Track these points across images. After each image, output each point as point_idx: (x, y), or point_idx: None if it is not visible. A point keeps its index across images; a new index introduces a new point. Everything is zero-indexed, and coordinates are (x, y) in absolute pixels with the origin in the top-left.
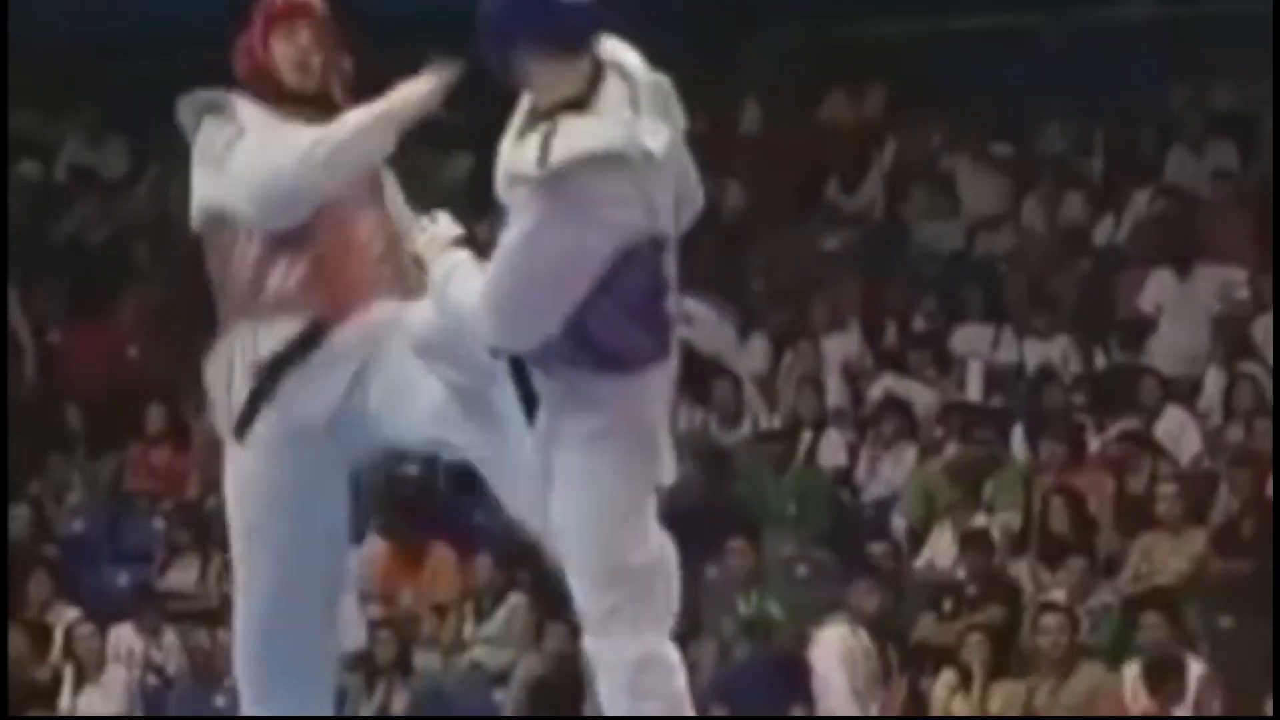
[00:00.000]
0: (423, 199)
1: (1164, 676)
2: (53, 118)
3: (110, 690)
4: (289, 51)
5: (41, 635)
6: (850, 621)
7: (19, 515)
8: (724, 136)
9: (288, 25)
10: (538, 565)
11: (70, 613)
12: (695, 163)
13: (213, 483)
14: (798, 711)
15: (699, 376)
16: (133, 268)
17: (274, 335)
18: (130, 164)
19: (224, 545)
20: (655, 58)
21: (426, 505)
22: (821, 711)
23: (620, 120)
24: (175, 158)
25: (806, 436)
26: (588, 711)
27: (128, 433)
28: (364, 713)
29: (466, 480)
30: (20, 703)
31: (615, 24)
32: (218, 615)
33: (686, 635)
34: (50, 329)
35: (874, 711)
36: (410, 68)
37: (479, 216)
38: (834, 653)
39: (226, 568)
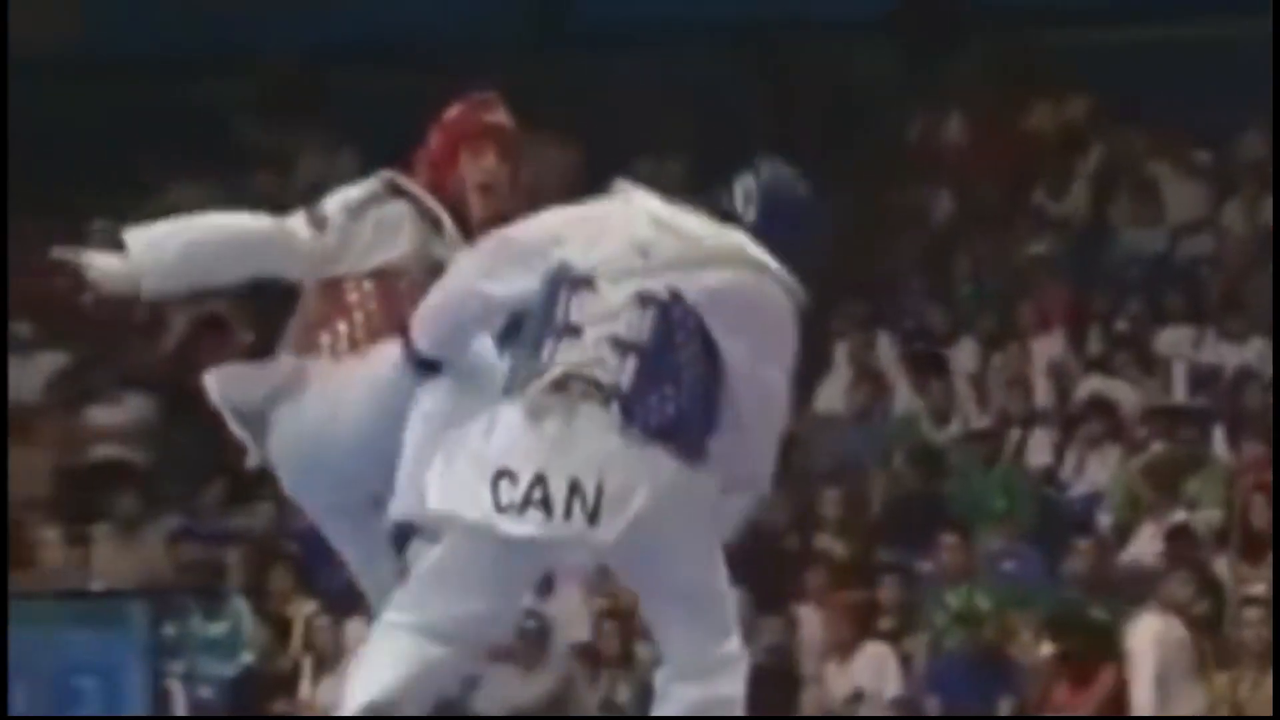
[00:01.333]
0: None
1: None
2: (289, 130)
3: (346, 680)
4: (476, 174)
5: (283, 627)
6: (1163, 612)
7: (262, 512)
8: (932, 145)
9: (478, 144)
10: (753, 562)
11: (309, 605)
12: (906, 170)
13: None
14: (1006, 704)
15: (921, 372)
16: None
17: None
18: (362, 177)
19: None
20: (865, 69)
21: None
22: (1133, 696)
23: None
24: (407, 169)
25: (1014, 435)
26: (804, 704)
27: None
28: (590, 704)
29: None
30: (264, 692)
31: (822, 36)
32: None
33: (901, 628)
34: (285, 332)
35: (1181, 708)
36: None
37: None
38: (1147, 637)
39: None
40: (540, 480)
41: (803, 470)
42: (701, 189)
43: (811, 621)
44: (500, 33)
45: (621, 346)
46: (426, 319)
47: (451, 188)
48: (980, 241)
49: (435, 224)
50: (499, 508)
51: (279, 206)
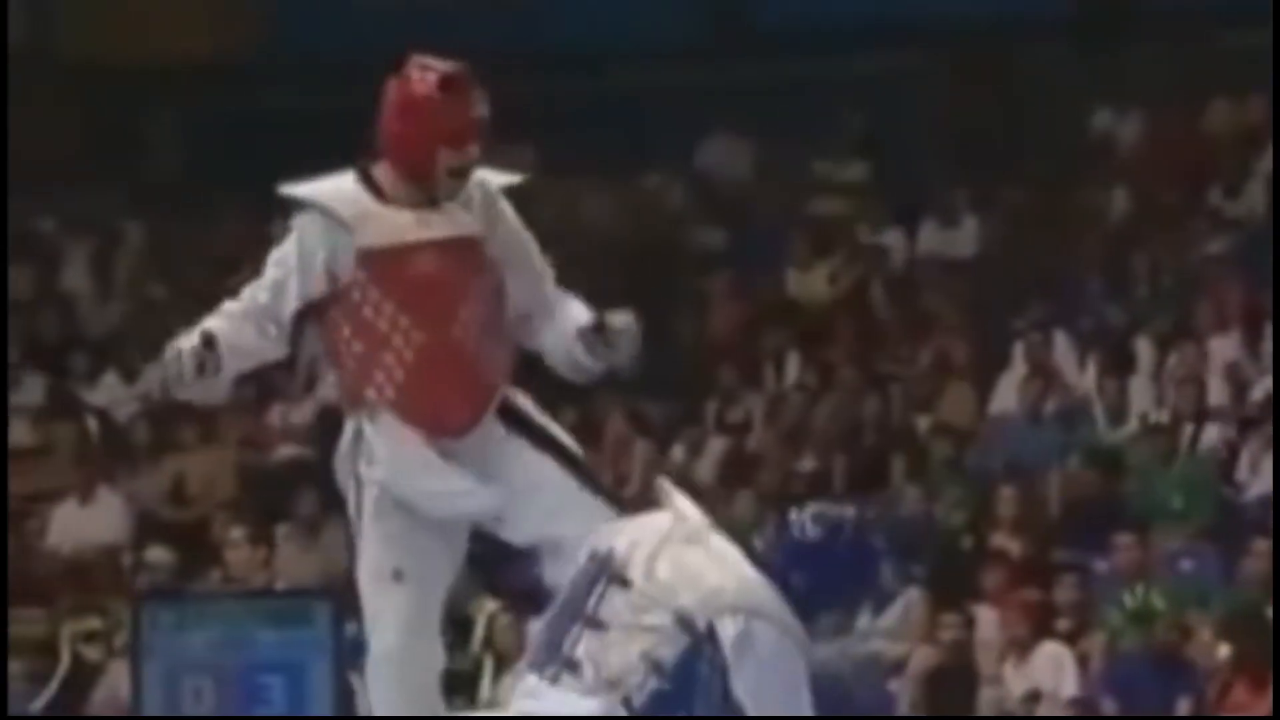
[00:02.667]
0: (823, 200)
1: None
2: None
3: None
4: (452, 162)
5: (464, 626)
6: None
7: None
8: (1109, 144)
9: (460, 139)
10: (932, 559)
11: (491, 604)
12: (1084, 170)
13: (624, 478)
14: (1183, 705)
15: (1104, 371)
16: None
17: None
18: (538, 176)
19: None
20: (1043, 68)
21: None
22: None
23: None
24: (585, 171)
25: (1188, 433)
26: (982, 704)
27: None
28: None
29: (860, 478)
30: (444, 691)
31: (1001, 36)
32: None
33: (1078, 628)
34: None
35: None
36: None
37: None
38: None
39: None
40: None
41: (979, 469)
42: (887, 184)
43: (988, 621)
44: (681, 36)
45: (649, 662)
46: None
47: (421, 169)
48: (1157, 241)
49: (340, 222)
50: None
51: None
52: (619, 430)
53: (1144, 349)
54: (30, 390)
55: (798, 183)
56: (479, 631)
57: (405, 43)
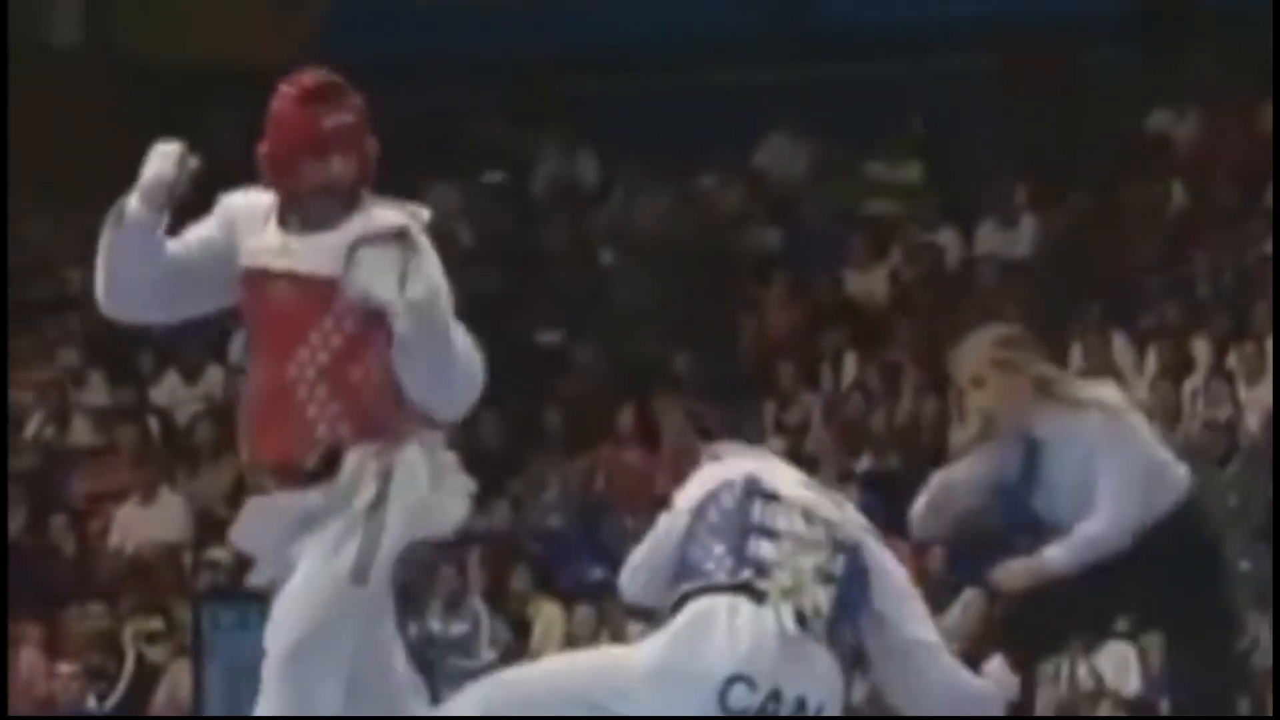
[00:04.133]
0: (879, 200)
1: None
2: (528, 132)
3: None
4: (315, 176)
5: (523, 626)
6: None
7: (499, 509)
8: (1166, 144)
9: (320, 150)
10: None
11: (548, 605)
12: (1141, 169)
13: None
14: (1242, 704)
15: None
16: (602, 276)
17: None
18: (600, 177)
19: None
20: (1097, 69)
21: (879, 501)
22: None
23: None
24: (642, 171)
25: (1248, 434)
26: (1041, 702)
27: (601, 434)
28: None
29: (918, 479)
30: None
31: (1059, 36)
32: None
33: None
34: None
35: None
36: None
37: (938, 217)
38: None
39: None
40: (776, 696)
41: None
42: (939, 186)
43: None
44: (738, 36)
45: (823, 576)
46: (640, 573)
47: (286, 185)
48: (1214, 241)
49: (233, 236)
50: (724, 706)
51: (519, 204)
52: (676, 431)
53: (1202, 348)
54: (94, 391)
55: (855, 183)
56: (537, 632)
57: (463, 43)
